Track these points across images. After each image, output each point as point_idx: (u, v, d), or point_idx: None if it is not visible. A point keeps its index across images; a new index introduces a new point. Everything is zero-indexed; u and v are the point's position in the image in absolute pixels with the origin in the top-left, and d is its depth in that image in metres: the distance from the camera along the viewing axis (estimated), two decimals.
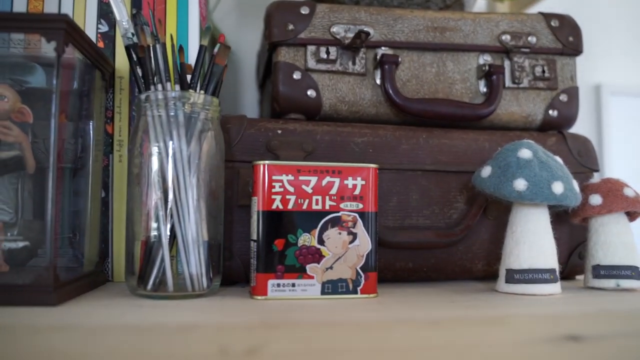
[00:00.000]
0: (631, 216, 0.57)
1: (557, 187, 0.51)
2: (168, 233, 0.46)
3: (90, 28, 0.58)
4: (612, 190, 0.56)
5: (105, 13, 0.59)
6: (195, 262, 0.46)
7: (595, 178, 0.61)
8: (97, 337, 0.31)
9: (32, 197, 0.50)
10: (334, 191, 0.48)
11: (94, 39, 0.58)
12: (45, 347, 0.29)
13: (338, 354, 0.29)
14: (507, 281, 0.52)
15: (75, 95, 0.53)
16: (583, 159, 0.64)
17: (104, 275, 0.55)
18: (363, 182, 0.49)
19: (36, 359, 0.26)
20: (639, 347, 0.31)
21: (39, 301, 0.40)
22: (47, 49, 0.50)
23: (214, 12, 0.85)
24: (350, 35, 0.60)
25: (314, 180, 0.48)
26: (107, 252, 0.56)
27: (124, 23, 0.49)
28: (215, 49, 0.49)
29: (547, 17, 0.66)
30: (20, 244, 0.45)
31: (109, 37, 0.59)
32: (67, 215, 0.52)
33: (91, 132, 0.54)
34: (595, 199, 0.56)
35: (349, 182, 0.48)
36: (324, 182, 0.48)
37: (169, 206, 0.46)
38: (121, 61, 0.58)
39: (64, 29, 0.43)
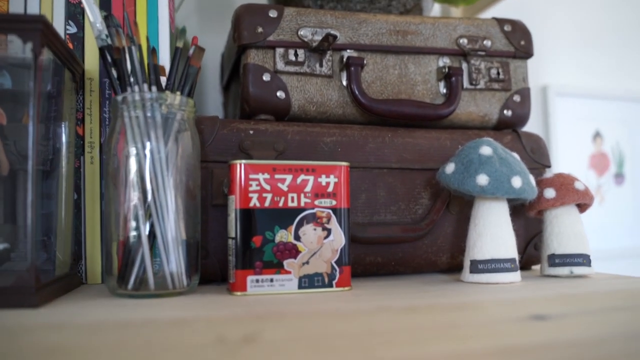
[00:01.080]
0: (581, 208, 0.61)
1: (516, 182, 0.54)
2: (147, 232, 0.47)
3: (59, 29, 0.58)
4: (565, 184, 0.60)
5: (73, 14, 0.59)
6: (175, 261, 0.47)
7: (548, 173, 0.65)
8: (91, 334, 0.32)
9: (1, 200, 0.49)
10: (308, 189, 0.50)
11: None
12: (38, 346, 0.30)
13: (327, 339, 0.31)
14: (471, 271, 0.55)
15: (46, 97, 0.52)
16: (536, 156, 0.68)
17: (78, 278, 0.55)
18: (336, 180, 0.51)
19: (29, 358, 0.27)
20: (596, 323, 0.35)
21: (21, 303, 0.40)
22: (15, 49, 0.50)
23: (176, 13, 0.85)
24: (317, 38, 0.62)
25: (289, 178, 0.49)
26: (81, 254, 0.56)
27: (97, 25, 0.50)
28: (190, 51, 0.50)
29: (500, 22, 0.70)
30: (1, 246, 0.45)
31: (77, 39, 0.58)
32: (40, 218, 0.51)
33: (63, 134, 0.53)
34: (549, 193, 0.60)
35: (323, 179, 0.50)
36: (298, 180, 0.49)
37: (147, 206, 0.47)
38: (91, 62, 0.58)
39: (40, 29, 0.43)
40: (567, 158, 1.17)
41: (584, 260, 0.58)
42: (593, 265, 0.59)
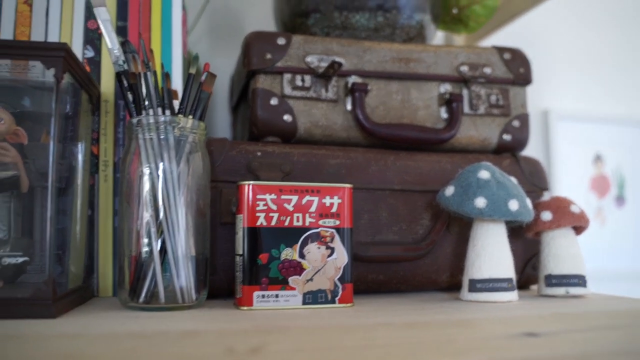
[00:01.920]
0: (577, 230, 0.63)
1: (513, 205, 0.56)
2: (159, 248, 0.49)
3: (77, 53, 0.61)
4: (561, 207, 0.62)
5: (90, 39, 0.62)
6: (185, 276, 0.49)
7: (545, 196, 0.67)
8: (107, 343, 0.34)
9: (20, 215, 0.52)
10: (313, 209, 0.52)
11: None
12: (56, 354, 0.32)
13: (330, 351, 0.32)
14: (470, 290, 0.57)
15: (64, 118, 0.55)
16: (534, 179, 0.70)
17: (90, 291, 0.57)
18: (339, 201, 0.53)
19: None
20: (585, 340, 0.36)
21: (39, 314, 0.43)
22: (37, 73, 0.52)
23: (189, 37, 0.89)
24: (324, 64, 0.65)
25: (295, 199, 0.52)
26: (93, 268, 0.58)
27: (115, 51, 0.52)
28: (203, 77, 0.53)
29: (500, 50, 0.73)
30: (20, 259, 0.47)
31: (94, 62, 0.61)
32: (55, 232, 0.54)
33: (79, 153, 0.56)
34: (546, 215, 0.62)
35: (327, 200, 0.52)
36: (304, 201, 0.52)
37: (159, 223, 0.49)
38: (107, 85, 0.61)
39: (62, 57, 0.46)
40: (568, 180, 1.19)
41: (579, 280, 0.60)
42: (589, 286, 0.61)
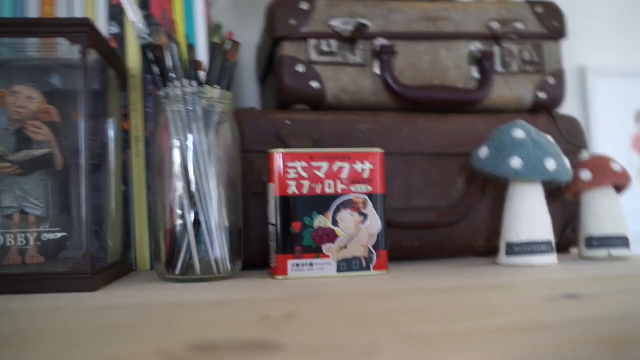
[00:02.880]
0: (619, 189, 0.61)
1: (550, 164, 0.55)
2: (192, 220, 0.49)
3: (102, 29, 0.61)
4: (601, 166, 0.60)
5: (114, 15, 0.62)
6: (219, 247, 0.49)
7: (585, 155, 0.65)
8: (145, 314, 0.35)
9: (57, 193, 0.53)
10: (344, 175, 0.51)
11: None
12: (99, 324, 0.32)
13: (362, 317, 0.32)
14: (507, 254, 0.56)
15: (94, 95, 0.55)
16: (572, 138, 0.68)
17: (129, 265, 0.58)
18: (371, 166, 0.52)
19: (93, 333, 0.30)
20: (627, 303, 0.35)
21: (79, 287, 0.44)
22: (65, 51, 0.53)
23: (212, 9, 0.88)
24: (349, 28, 0.64)
25: (325, 166, 0.51)
26: (130, 243, 0.59)
27: (139, 25, 0.52)
28: (227, 46, 0.52)
29: (532, 4, 0.70)
30: (59, 235, 0.48)
31: (119, 38, 0.61)
32: (91, 209, 0.55)
33: (110, 129, 0.56)
34: (586, 175, 0.60)
35: (358, 166, 0.52)
36: (335, 168, 0.51)
37: (191, 195, 0.49)
38: (133, 60, 0.61)
39: (86, 32, 0.46)
40: (608, 140, 1.14)
41: (622, 242, 0.58)
42: (633, 248, 0.59)
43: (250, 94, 0.95)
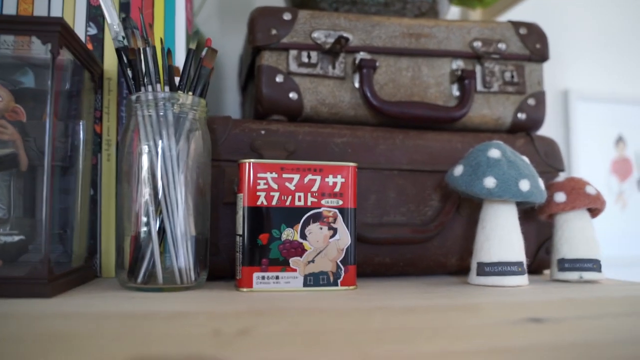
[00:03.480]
0: (593, 212, 0.61)
1: (524, 185, 0.54)
2: (157, 228, 0.48)
3: (80, 30, 0.60)
4: (575, 189, 0.59)
5: (94, 16, 0.61)
6: (183, 256, 0.48)
7: (561, 177, 0.65)
8: (96, 324, 0.33)
9: (21, 194, 0.52)
10: (315, 188, 0.51)
11: (83, 41, 0.60)
12: (47, 333, 0.31)
13: (321, 335, 0.31)
14: (478, 274, 0.55)
15: (66, 96, 0.54)
16: (549, 159, 0.68)
17: (93, 271, 0.57)
18: (343, 180, 0.51)
19: (39, 343, 0.28)
20: (592, 328, 0.35)
21: (35, 293, 0.42)
22: (39, 50, 0.52)
23: (197, 16, 0.87)
24: (331, 40, 0.63)
25: (296, 177, 0.50)
26: (96, 248, 0.57)
27: (114, 26, 0.51)
28: (203, 52, 0.52)
29: (515, 25, 0.70)
30: (16, 238, 0.47)
31: (97, 40, 0.60)
32: (57, 212, 0.53)
33: (81, 131, 0.55)
34: (560, 197, 0.59)
35: (330, 179, 0.51)
36: (306, 180, 0.50)
37: (158, 202, 0.48)
38: (110, 63, 0.60)
39: (58, 31, 0.45)
40: (588, 163, 1.15)
41: (594, 265, 0.58)
42: (605, 271, 0.59)
43: (232, 102, 0.94)
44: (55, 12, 0.60)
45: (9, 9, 0.59)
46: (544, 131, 0.71)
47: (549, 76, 1.12)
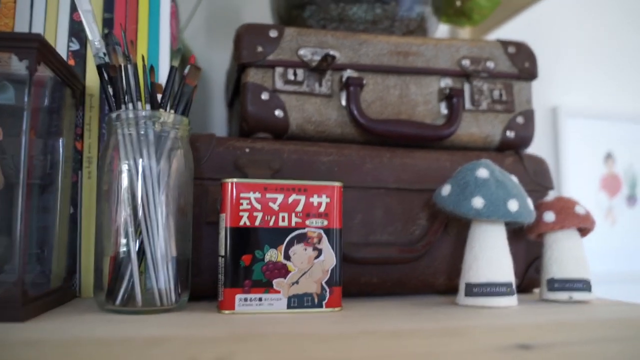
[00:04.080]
0: (582, 232, 0.60)
1: (513, 205, 0.53)
2: (137, 249, 0.47)
3: (62, 46, 0.59)
4: (565, 208, 0.59)
5: (76, 31, 0.60)
6: (163, 278, 0.47)
7: (550, 196, 0.64)
8: (67, 351, 0.32)
9: None
10: (299, 208, 0.49)
11: (64, 56, 0.59)
12: None
13: None
14: (466, 294, 0.54)
15: (45, 112, 0.53)
16: (538, 178, 0.67)
17: (72, 291, 0.55)
18: (328, 200, 0.50)
19: None
20: (583, 354, 0.34)
21: (7, 317, 0.41)
22: (18, 66, 0.51)
23: (184, 31, 0.87)
24: (317, 58, 0.63)
25: (280, 197, 0.49)
26: (75, 268, 0.56)
27: (96, 43, 0.50)
28: (186, 70, 0.51)
29: (504, 44, 0.70)
30: None
31: (80, 55, 0.59)
32: (35, 231, 0.52)
33: (61, 148, 0.54)
34: (549, 216, 0.59)
35: (315, 199, 0.50)
36: (290, 200, 0.49)
37: (138, 222, 0.47)
38: (92, 79, 0.59)
39: (36, 48, 0.44)
40: (577, 180, 1.15)
41: (584, 285, 0.57)
42: (596, 290, 0.58)
43: (220, 118, 0.93)
44: (37, 27, 0.59)
45: None
46: (533, 147, 0.71)
47: (537, 93, 1.12)
